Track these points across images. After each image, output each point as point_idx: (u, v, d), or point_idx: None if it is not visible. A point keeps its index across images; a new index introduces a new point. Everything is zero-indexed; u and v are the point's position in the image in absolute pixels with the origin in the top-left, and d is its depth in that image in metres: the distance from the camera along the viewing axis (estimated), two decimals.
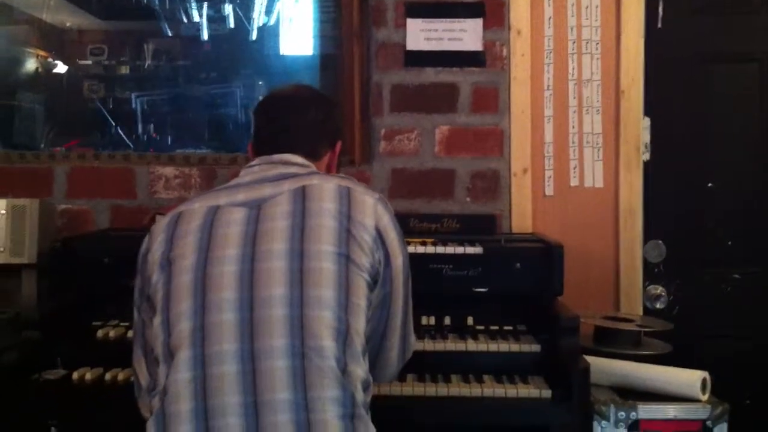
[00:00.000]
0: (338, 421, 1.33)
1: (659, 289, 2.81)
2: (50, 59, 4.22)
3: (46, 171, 2.76)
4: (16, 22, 3.86)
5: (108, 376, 2.05)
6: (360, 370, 1.40)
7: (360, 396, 1.38)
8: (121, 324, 2.18)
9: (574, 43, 2.81)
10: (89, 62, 4.34)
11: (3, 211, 2.54)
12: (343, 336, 1.38)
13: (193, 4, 4.03)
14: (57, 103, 4.11)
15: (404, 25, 2.78)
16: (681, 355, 2.31)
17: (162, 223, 1.53)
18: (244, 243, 1.43)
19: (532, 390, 2.02)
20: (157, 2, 4.04)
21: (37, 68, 4.12)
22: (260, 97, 3.89)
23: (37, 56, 4.13)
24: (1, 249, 2.53)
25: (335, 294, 1.40)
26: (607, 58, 2.80)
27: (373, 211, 1.50)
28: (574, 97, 2.80)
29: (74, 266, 2.27)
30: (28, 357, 2.09)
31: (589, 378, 2.03)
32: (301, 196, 1.48)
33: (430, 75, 2.79)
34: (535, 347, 2.15)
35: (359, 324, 1.42)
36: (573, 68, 2.80)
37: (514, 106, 2.78)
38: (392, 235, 1.53)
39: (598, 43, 2.80)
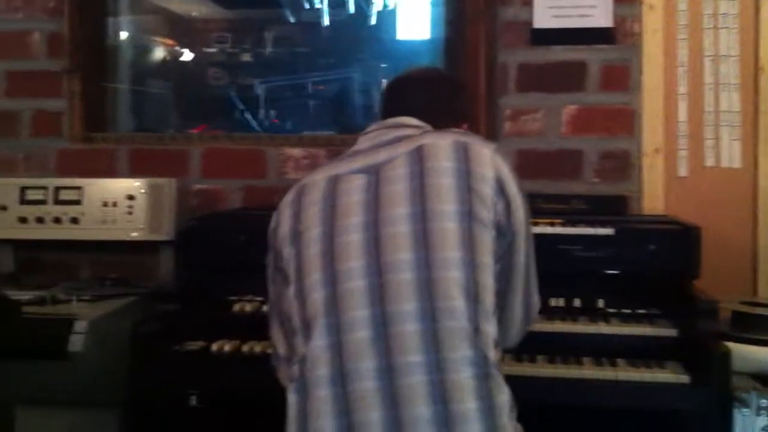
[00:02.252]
0: (472, 381, 1.33)
1: None
2: (177, 47, 4.37)
3: (182, 152, 2.85)
4: (146, 11, 4.00)
5: (245, 347, 2.11)
6: (491, 328, 1.39)
7: (492, 354, 1.37)
8: (255, 299, 2.23)
9: (709, 17, 2.69)
10: (214, 50, 4.49)
11: (143, 191, 2.66)
12: (473, 295, 1.38)
13: None
14: (184, 89, 4.26)
15: (531, 2, 2.73)
16: None
17: (288, 198, 1.56)
18: (366, 210, 1.44)
19: (669, 375, 1.96)
20: None
21: (164, 56, 4.28)
22: (381, 81, 3.96)
23: (165, 45, 4.29)
24: (141, 226, 2.65)
25: (461, 254, 1.39)
26: (745, 32, 2.66)
27: (491, 162, 1.48)
28: (710, 74, 2.68)
29: (209, 243, 2.34)
30: (166, 329, 2.16)
31: (729, 363, 1.95)
32: (419, 157, 1.47)
33: (557, 53, 2.73)
34: (671, 331, 2.08)
35: (488, 281, 1.40)
36: (708, 44, 2.69)
37: (645, 83, 2.68)
38: (512, 186, 1.50)
39: (735, 17, 2.67)
